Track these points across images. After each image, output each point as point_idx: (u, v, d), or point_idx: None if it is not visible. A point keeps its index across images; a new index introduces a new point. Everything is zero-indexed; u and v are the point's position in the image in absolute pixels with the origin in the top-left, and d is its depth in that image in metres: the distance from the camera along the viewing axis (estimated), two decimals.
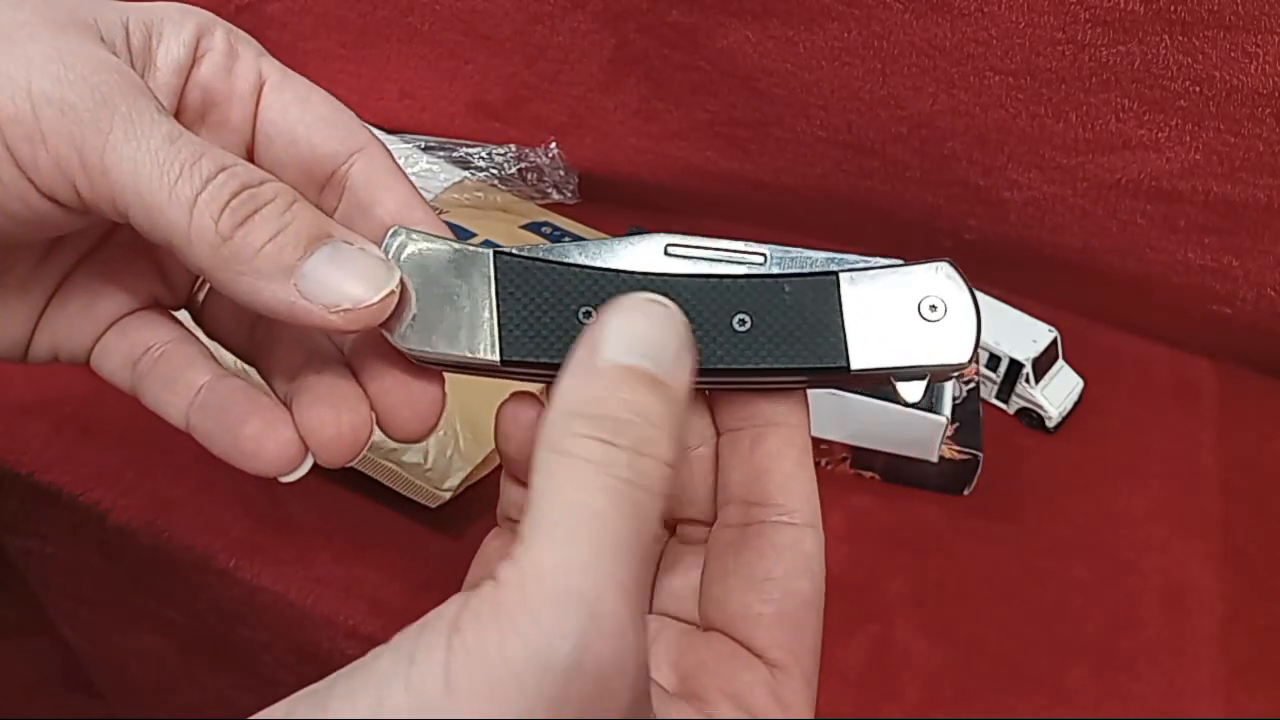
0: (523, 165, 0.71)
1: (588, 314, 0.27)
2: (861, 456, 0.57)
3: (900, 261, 0.28)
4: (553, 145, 0.71)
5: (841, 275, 0.28)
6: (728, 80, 0.66)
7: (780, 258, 0.28)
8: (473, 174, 0.71)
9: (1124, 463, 0.59)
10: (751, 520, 0.29)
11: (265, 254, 0.25)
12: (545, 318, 0.27)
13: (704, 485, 0.30)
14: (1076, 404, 0.62)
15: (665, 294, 0.25)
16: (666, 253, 0.28)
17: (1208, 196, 0.60)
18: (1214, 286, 0.63)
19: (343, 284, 0.25)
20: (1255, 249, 0.61)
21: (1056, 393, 0.61)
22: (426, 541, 0.52)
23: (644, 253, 0.28)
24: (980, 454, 0.55)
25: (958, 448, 0.55)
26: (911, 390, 0.28)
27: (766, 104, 0.66)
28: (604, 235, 0.68)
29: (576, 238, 0.68)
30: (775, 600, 0.28)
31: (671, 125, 0.70)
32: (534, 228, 0.67)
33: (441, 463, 0.51)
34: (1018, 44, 0.58)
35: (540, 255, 0.27)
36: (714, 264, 0.28)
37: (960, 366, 0.28)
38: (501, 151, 0.72)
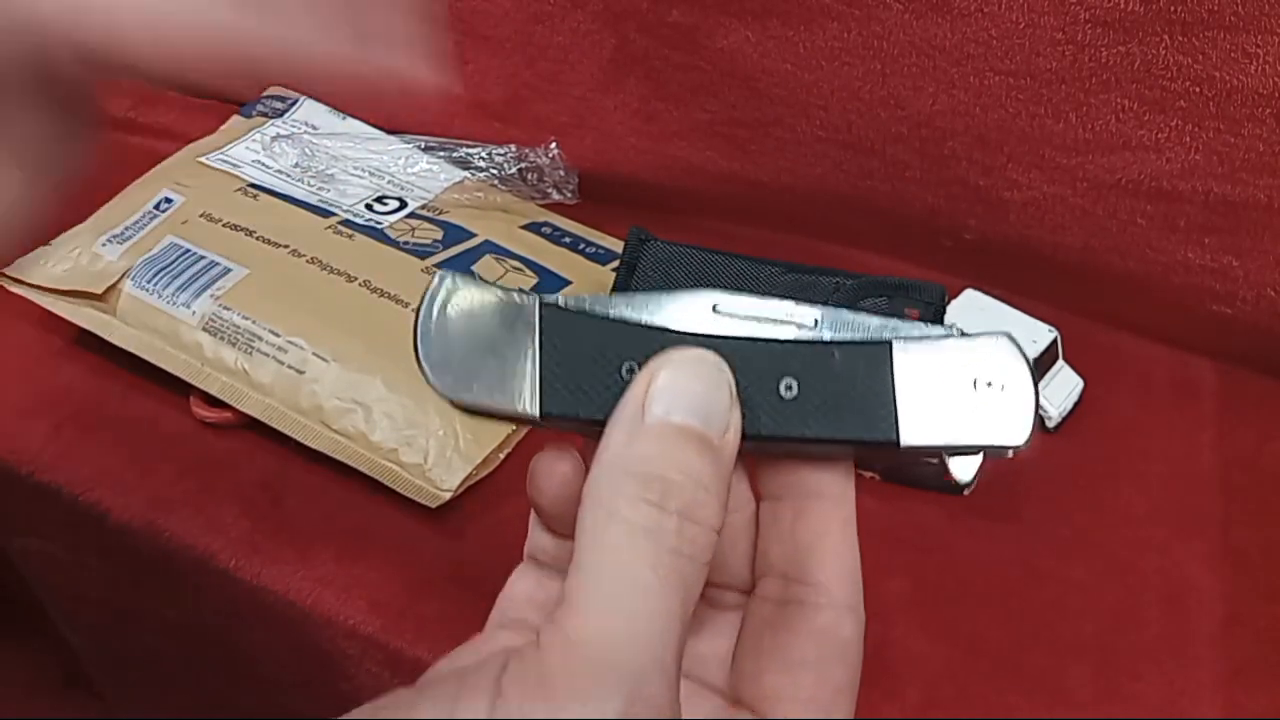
0: (523, 165, 0.71)
1: (631, 370, 0.26)
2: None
3: (957, 330, 0.27)
4: (553, 145, 0.71)
5: (895, 344, 0.26)
6: (728, 80, 0.66)
7: (832, 321, 0.27)
8: (473, 174, 0.71)
9: (1124, 463, 0.59)
10: (790, 599, 0.28)
11: None
12: (588, 372, 0.26)
13: (736, 551, 0.29)
14: (1076, 404, 0.61)
15: None
16: (715, 311, 0.27)
17: (1208, 196, 0.59)
18: (1214, 286, 0.63)
19: None
20: (1255, 249, 0.61)
21: (1056, 393, 0.61)
22: (426, 541, 0.52)
23: (691, 310, 0.27)
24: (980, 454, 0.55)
25: None
26: (964, 467, 0.27)
27: (766, 104, 0.66)
28: (605, 236, 0.69)
29: (577, 238, 0.68)
30: (808, 687, 0.27)
31: (671, 125, 0.70)
32: (534, 228, 0.67)
33: (441, 463, 0.51)
34: (1018, 44, 0.58)
35: (585, 308, 0.27)
36: (762, 325, 0.27)
37: (1016, 448, 0.26)
38: (501, 151, 0.72)
